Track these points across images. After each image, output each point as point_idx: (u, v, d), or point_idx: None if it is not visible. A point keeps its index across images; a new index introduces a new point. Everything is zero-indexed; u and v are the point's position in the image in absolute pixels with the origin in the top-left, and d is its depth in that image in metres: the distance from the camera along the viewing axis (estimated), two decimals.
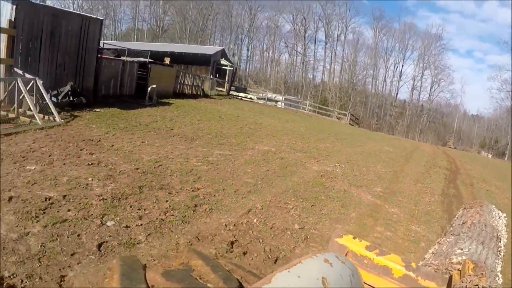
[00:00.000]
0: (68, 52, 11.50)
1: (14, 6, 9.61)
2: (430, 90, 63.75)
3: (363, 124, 43.69)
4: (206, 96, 24.78)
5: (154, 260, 3.33)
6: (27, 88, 8.73)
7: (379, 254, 1.42)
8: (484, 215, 2.29)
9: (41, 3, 11.91)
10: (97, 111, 10.71)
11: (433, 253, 1.98)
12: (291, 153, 9.81)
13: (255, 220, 4.75)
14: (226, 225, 4.41)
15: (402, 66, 64.95)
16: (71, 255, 3.17)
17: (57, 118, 8.71)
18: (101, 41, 13.54)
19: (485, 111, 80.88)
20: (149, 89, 14.85)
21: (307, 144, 12.02)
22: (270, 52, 68.41)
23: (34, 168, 5.11)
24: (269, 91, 44.83)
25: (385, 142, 19.87)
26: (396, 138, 32.24)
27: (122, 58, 16.36)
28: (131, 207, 4.43)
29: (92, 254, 3.25)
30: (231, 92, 31.39)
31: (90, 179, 5.08)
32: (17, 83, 8.59)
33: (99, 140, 7.39)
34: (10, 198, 4.02)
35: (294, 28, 65.83)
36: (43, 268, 2.90)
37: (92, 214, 4.00)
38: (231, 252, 3.79)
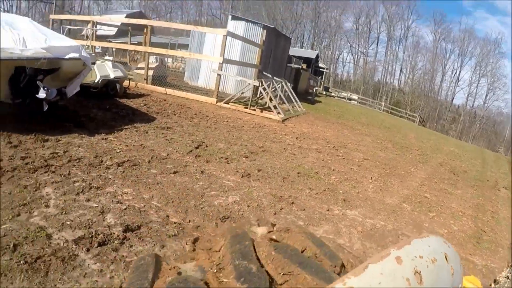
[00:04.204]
0: (279, 61, 18.38)
1: (265, 31, 14.40)
2: (485, 98, 67.81)
3: (428, 126, 50.43)
4: (317, 95, 32.91)
5: (404, 168, 11.52)
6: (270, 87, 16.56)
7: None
8: None
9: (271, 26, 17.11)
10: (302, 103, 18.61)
11: (507, 278, 1.96)
12: (425, 139, 17.78)
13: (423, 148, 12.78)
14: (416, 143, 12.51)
15: (460, 71, 69.24)
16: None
17: (301, 107, 16.65)
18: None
19: None
20: (315, 89, 23.11)
21: (425, 135, 19.92)
22: (332, 52, 75.11)
23: (348, 132, 13.18)
24: (346, 91, 52.35)
25: (456, 140, 27.30)
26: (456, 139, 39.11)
27: (291, 64, 24.72)
28: (399, 137, 12.45)
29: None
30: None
31: (381, 136, 13.14)
32: (282, 83, 15.80)
33: (342, 119, 15.46)
34: (328, 140, 12.23)
35: (357, 28, 72.38)
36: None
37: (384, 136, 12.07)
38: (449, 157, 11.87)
